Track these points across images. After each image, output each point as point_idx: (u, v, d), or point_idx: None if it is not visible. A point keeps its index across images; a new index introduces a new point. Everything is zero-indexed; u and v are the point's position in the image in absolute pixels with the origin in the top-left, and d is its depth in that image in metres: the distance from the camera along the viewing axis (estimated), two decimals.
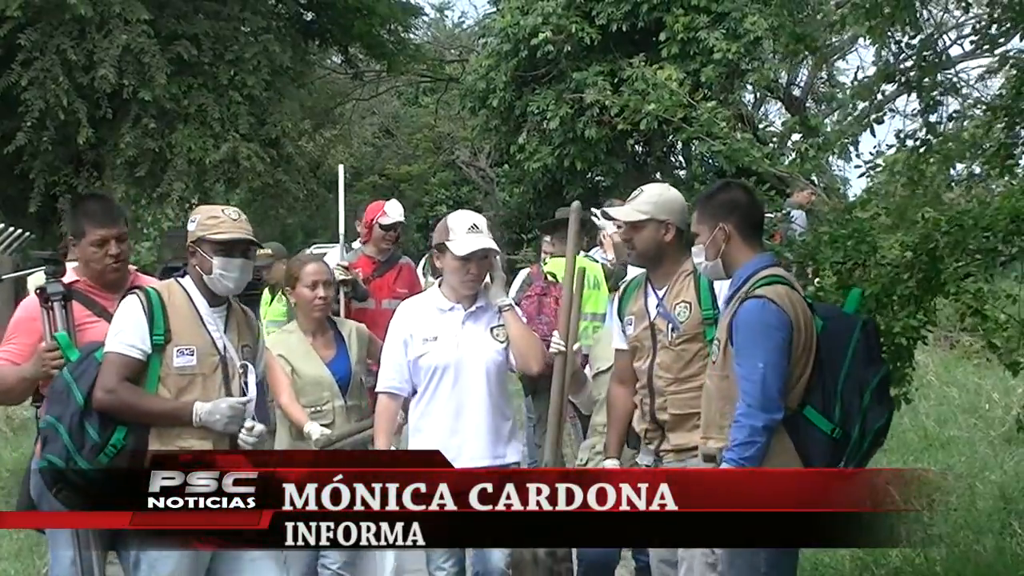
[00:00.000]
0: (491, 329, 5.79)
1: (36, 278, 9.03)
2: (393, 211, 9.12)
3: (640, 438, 5.71)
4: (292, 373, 6.44)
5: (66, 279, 5.37)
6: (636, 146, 21.85)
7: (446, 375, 5.69)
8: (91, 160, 21.58)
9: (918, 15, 7.07)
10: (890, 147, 7.24)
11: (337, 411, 6.44)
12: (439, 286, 5.87)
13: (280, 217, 27.13)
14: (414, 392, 5.88)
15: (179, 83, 21.28)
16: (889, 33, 7.10)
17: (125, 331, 5.01)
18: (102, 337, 5.14)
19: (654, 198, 5.70)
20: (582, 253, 8.46)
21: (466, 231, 5.70)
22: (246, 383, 5.13)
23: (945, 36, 8.09)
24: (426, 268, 10.56)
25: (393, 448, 5.91)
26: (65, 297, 5.23)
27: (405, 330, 5.78)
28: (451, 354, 5.70)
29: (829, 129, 20.83)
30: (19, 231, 20.86)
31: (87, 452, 4.88)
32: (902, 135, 7.00)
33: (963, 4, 7.57)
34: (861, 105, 7.46)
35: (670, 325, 5.53)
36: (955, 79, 7.26)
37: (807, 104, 24.41)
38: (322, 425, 6.30)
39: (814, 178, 13.13)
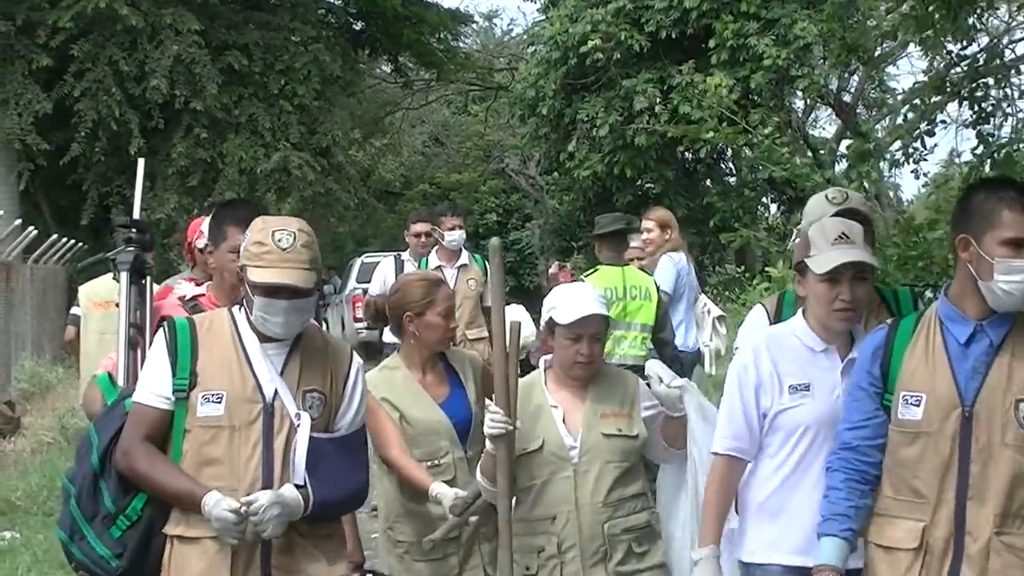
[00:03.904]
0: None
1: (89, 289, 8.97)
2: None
3: None
4: (401, 420, 4.99)
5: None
6: (686, 153, 21.77)
7: (818, 438, 4.13)
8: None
9: (972, 24, 7.01)
10: (946, 158, 7.21)
11: (457, 464, 4.98)
12: (803, 315, 4.29)
13: (331, 226, 27.27)
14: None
15: (230, 93, 21.50)
16: (941, 42, 7.05)
17: (148, 375, 4.06)
18: None
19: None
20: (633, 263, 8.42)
21: (831, 243, 4.16)
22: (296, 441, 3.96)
23: (1002, 42, 8.02)
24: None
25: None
26: (139, 331, 4.56)
27: (764, 369, 4.20)
28: (829, 410, 4.12)
29: (880, 135, 20.68)
30: (72, 242, 21.04)
31: (98, 523, 3.97)
32: (957, 151, 6.95)
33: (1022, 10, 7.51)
34: (911, 115, 7.40)
35: None
36: (1013, 87, 7.18)
37: (857, 111, 24.23)
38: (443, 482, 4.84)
39: (865, 184, 12.98)
